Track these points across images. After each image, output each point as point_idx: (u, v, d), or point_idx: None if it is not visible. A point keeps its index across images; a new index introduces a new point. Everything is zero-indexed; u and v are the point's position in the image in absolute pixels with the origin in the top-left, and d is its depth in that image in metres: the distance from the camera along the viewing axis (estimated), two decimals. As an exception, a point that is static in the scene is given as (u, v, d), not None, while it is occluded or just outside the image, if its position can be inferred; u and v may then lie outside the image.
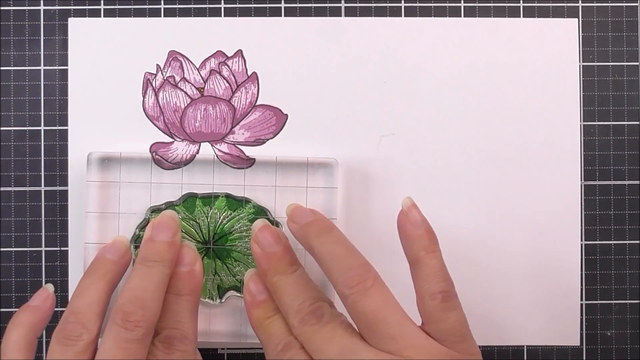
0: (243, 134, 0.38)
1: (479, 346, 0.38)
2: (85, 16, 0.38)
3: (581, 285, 0.38)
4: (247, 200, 0.37)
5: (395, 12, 0.38)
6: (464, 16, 0.38)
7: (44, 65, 0.38)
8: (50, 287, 0.34)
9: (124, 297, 0.32)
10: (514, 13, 0.38)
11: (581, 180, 0.38)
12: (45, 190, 0.38)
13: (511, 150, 0.38)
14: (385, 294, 0.31)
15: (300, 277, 0.33)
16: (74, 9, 0.38)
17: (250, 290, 0.34)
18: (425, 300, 0.31)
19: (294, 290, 0.33)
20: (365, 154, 0.38)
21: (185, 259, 0.34)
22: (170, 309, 0.33)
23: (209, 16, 0.38)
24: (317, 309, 0.32)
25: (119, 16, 0.38)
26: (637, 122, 0.39)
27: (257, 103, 0.38)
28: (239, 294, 0.37)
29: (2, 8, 0.38)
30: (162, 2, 0.38)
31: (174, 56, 0.38)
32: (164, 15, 0.38)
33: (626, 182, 0.39)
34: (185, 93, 0.38)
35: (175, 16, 0.38)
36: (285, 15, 0.38)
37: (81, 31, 0.38)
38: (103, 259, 0.34)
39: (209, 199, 0.37)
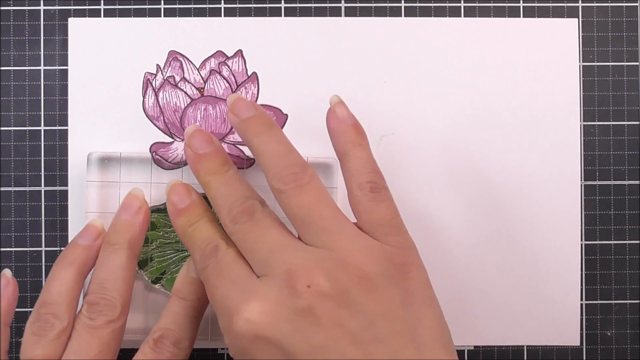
0: (243, 134, 0.38)
1: (479, 346, 0.38)
2: (85, 16, 0.38)
3: (581, 285, 0.38)
4: (247, 200, 0.37)
5: (395, 12, 0.38)
6: (464, 16, 0.38)
7: (44, 65, 0.38)
8: (8, 273, 0.33)
9: (89, 289, 0.33)
10: (514, 13, 0.38)
11: (581, 180, 0.38)
12: (45, 190, 0.38)
13: (511, 150, 0.38)
14: (320, 191, 0.31)
15: (232, 177, 0.33)
16: (74, 9, 0.38)
17: (172, 200, 0.34)
18: (353, 191, 0.31)
19: (226, 189, 0.32)
20: (365, 154, 0.38)
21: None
22: (171, 310, 0.33)
23: (209, 16, 0.38)
24: (249, 207, 0.31)
25: (119, 16, 0.38)
26: (637, 122, 0.39)
27: (257, 103, 0.38)
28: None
29: (2, 8, 0.38)
30: (162, 2, 0.38)
31: (174, 56, 0.38)
32: (164, 15, 0.38)
33: (626, 182, 0.39)
34: (185, 93, 0.38)
35: (175, 16, 0.38)
36: (285, 15, 0.38)
37: (81, 31, 0.38)
38: (74, 245, 0.34)
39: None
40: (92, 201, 0.36)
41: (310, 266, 0.29)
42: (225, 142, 0.38)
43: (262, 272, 0.30)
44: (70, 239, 0.38)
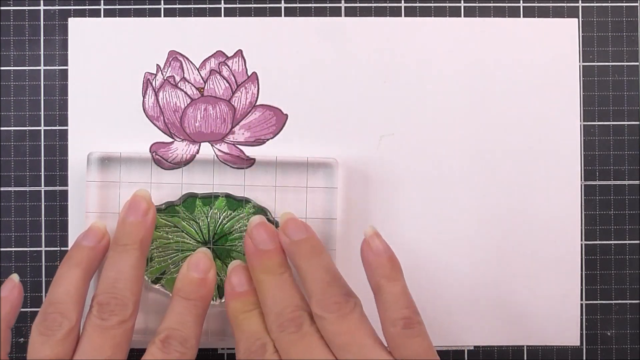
0: (243, 134, 0.38)
1: (479, 346, 0.38)
2: (85, 16, 0.38)
3: (581, 285, 0.38)
4: (247, 200, 0.37)
5: (395, 12, 0.38)
6: (464, 16, 0.38)
7: (44, 65, 0.38)
8: (15, 277, 0.34)
9: (99, 288, 0.33)
10: (514, 13, 0.38)
11: (581, 180, 0.38)
12: (45, 190, 0.38)
13: (511, 150, 0.38)
14: (360, 321, 0.32)
15: (287, 281, 0.33)
16: (74, 9, 0.38)
17: (231, 281, 0.34)
18: (387, 327, 0.32)
19: (278, 292, 0.33)
20: (365, 154, 0.38)
21: (200, 265, 0.34)
22: (175, 310, 0.33)
23: (209, 16, 0.38)
24: (298, 317, 0.32)
25: (119, 16, 0.38)
26: (637, 122, 0.39)
27: (257, 103, 0.38)
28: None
29: (2, 8, 0.38)
30: (162, 2, 0.38)
31: (174, 56, 0.38)
32: (164, 15, 0.38)
33: (626, 182, 0.39)
34: (185, 93, 0.38)
35: (175, 16, 0.38)
36: (285, 15, 0.38)
37: (81, 31, 0.38)
38: (79, 246, 0.34)
39: (209, 199, 0.37)
40: (92, 201, 0.36)
41: None
42: (225, 142, 0.38)
43: None
44: (70, 239, 0.38)
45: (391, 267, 0.32)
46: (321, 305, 0.32)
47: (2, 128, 0.38)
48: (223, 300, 0.37)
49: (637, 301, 0.39)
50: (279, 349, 0.32)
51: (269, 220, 0.36)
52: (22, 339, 0.38)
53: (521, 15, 0.38)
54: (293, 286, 0.33)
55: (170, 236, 0.37)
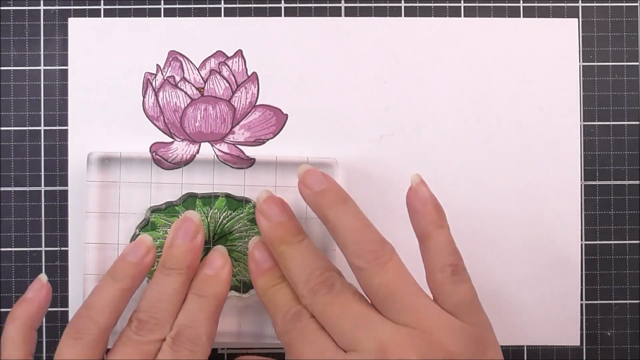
0: (243, 134, 0.38)
1: (479, 346, 0.38)
2: (85, 16, 0.38)
3: (581, 285, 0.38)
4: (247, 200, 0.37)
5: (395, 12, 0.38)
6: (464, 16, 0.38)
7: (44, 65, 0.38)
8: (43, 277, 0.34)
9: (140, 305, 0.33)
10: (514, 13, 0.38)
11: (581, 180, 0.38)
12: (45, 190, 0.38)
13: (511, 150, 0.38)
14: (401, 269, 0.31)
15: (308, 247, 0.33)
16: (74, 9, 0.38)
17: (255, 258, 0.34)
18: (435, 273, 0.31)
19: (301, 260, 0.32)
20: (365, 154, 0.38)
21: (214, 262, 0.34)
22: (188, 307, 0.33)
23: (209, 16, 0.38)
24: (328, 278, 0.32)
25: (119, 16, 0.38)
26: (637, 122, 0.39)
27: (257, 103, 0.38)
28: (239, 294, 0.37)
29: (2, 8, 0.38)
30: (162, 2, 0.38)
31: (174, 56, 0.38)
32: (164, 15, 0.38)
33: (626, 182, 0.39)
34: (185, 93, 0.38)
35: (175, 16, 0.38)
36: (285, 15, 0.38)
37: (81, 31, 0.38)
38: (123, 261, 0.34)
39: (209, 199, 0.37)
40: (92, 201, 0.36)
41: (401, 343, 0.29)
42: (225, 142, 0.38)
43: (349, 346, 0.30)
44: (70, 239, 0.38)
45: (438, 215, 0.32)
46: (358, 254, 0.31)
47: (2, 128, 0.38)
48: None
49: (637, 301, 0.39)
50: (315, 313, 0.32)
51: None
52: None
53: (521, 15, 0.38)
54: (315, 250, 0.33)
55: (170, 236, 0.37)
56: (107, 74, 0.38)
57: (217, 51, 0.38)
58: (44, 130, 0.38)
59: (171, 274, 0.33)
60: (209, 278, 0.34)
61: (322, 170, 0.34)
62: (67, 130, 0.38)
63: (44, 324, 0.38)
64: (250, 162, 0.37)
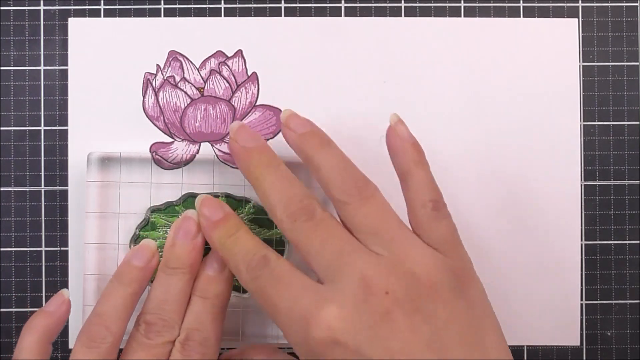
0: (243, 134, 0.38)
1: (479, 346, 0.38)
2: (85, 16, 0.38)
3: (581, 285, 0.38)
4: (247, 200, 0.37)
5: (395, 12, 0.38)
6: (464, 16, 0.38)
7: (44, 65, 0.38)
8: (65, 293, 0.34)
9: (146, 307, 0.33)
10: (514, 13, 0.38)
11: (581, 180, 0.38)
12: (45, 190, 0.38)
13: (511, 150, 0.38)
14: (384, 204, 0.31)
15: (286, 172, 0.33)
16: (74, 9, 0.38)
17: (204, 214, 0.33)
18: (416, 209, 0.31)
19: (280, 184, 0.32)
20: (365, 154, 0.38)
21: (215, 263, 0.34)
22: (193, 310, 0.33)
23: (209, 16, 0.38)
24: (308, 205, 0.31)
25: (119, 16, 0.38)
26: (637, 122, 0.39)
27: (257, 103, 0.38)
28: (239, 294, 0.37)
29: (2, 8, 0.38)
30: (162, 2, 0.38)
31: (174, 56, 0.38)
32: (164, 15, 0.38)
33: (626, 182, 0.39)
34: (185, 93, 0.38)
35: (175, 16, 0.38)
36: (285, 15, 0.38)
37: (81, 31, 0.38)
38: (129, 265, 0.34)
39: (209, 199, 0.37)
40: (92, 201, 0.36)
41: (385, 273, 0.29)
42: (226, 142, 0.38)
43: (330, 277, 0.30)
44: (70, 239, 0.38)
45: (417, 153, 0.33)
46: (342, 190, 0.31)
47: (2, 128, 0.38)
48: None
49: (637, 301, 0.39)
50: (293, 240, 0.31)
51: (268, 219, 0.36)
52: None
53: (521, 15, 0.38)
54: (293, 177, 0.33)
55: (170, 236, 0.37)
56: (107, 74, 0.38)
57: (217, 51, 0.38)
58: (44, 130, 0.38)
59: (175, 273, 0.33)
60: (210, 279, 0.34)
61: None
62: (67, 130, 0.38)
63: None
64: (250, 162, 0.37)
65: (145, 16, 0.38)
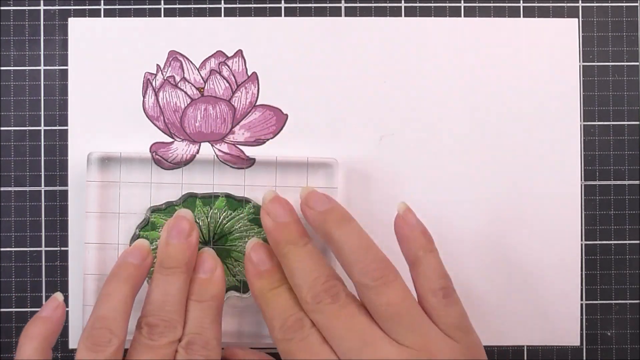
0: (243, 134, 0.38)
1: (479, 346, 0.38)
2: (85, 16, 0.38)
3: (581, 285, 0.38)
4: (247, 200, 0.37)
5: (395, 12, 0.38)
6: (464, 16, 0.38)
7: (44, 65, 0.38)
8: (59, 296, 0.34)
9: (147, 309, 0.33)
10: (514, 13, 0.38)
11: (581, 180, 0.38)
12: (45, 190, 0.38)
13: (511, 150, 0.38)
14: (405, 290, 0.32)
15: (313, 251, 0.33)
16: (74, 9, 0.38)
17: (252, 259, 0.34)
18: (427, 297, 0.32)
19: (307, 263, 0.33)
20: (365, 154, 0.38)
21: (205, 265, 0.34)
22: (192, 315, 0.33)
23: (209, 16, 0.38)
24: (332, 287, 0.32)
25: (119, 16, 0.38)
26: (637, 122, 0.39)
27: (257, 103, 0.38)
28: (239, 294, 0.37)
29: (2, 8, 0.38)
30: (162, 2, 0.38)
31: (174, 56, 0.38)
32: (164, 15, 0.38)
33: (626, 182, 0.39)
34: (185, 93, 0.38)
35: (175, 16, 0.38)
36: (285, 15, 0.38)
37: (81, 31, 0.38)
38: (125, 263, 0.34)
39: (209, 199, 0.37)
40: (92, 201, 0.36)
41: None
42: (225, 142, 0.38)
43: None
44: (70, 239, 0.38)
45: (427, 240, 0.33)
46: (364, 272, 0.32)
47: (2, 128, 0.38)
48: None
49: (637, 301, 0.39)
50: (317, 322, 0.32)
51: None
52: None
53: (521, 15, 0.38)
54: (320, 256, 0.33)
55: (170, 236, 0.37)
56: (107, 74, 0.38)
57: (217, 51, 0.38)
58: (44, 130, 0.38)
59: (171, 273, 0.33)
60: (204, 282, 0.34)
61: (324, 192, 0.35)
62: (67, 130, 0.38)
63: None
64: (250, 162, 0.37)
65: (145, 16, 0.38)
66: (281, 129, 0.38)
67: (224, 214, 0.37)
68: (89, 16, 0.38)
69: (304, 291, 0.32)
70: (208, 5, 0.38)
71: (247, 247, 0.35)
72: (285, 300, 0.33)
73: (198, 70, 0.38)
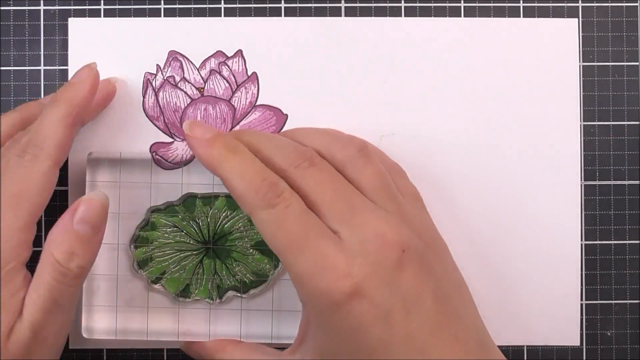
0: (243, 134, 0.38)
1: (479, 346, 0.38)
2: (85, 16, 0.38)
3: (581, 285, 0.38)
4: (247, 200, 0.37)
5: (395, 12, 0.38)
6: (464, 16, 0.38)
7: (44, 65, 0.38)
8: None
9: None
10: (514, 13, 0.38)
11: (581, 180, 0.38)
12: (45, 190, 0.38)
13: (511, 150, 0.38)
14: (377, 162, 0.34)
15: (278, 136, 0.34)
16: (74, 9, 0.38)
17: (196, 133, 0.32)
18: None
19: (277, 139, 0.33)
20: (365, 154, 0.38)
21: (80, 73, 0.34)
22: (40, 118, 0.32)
23: (209, 16, 0.38)
24: (307, 151, 0.32)
25: (119, 16, 0.38)
26: (637, 122, 0.39)
27: (257, 103, 0.38)
28: (239, 294, 0.37)
29: (2, 8, 0.38)
30: (162, 2, 0.38)
31: (174, 56, 0.38)
32: (164, 15, 0.38)
33: (626, 182, 0.39)
34: (185, 93, 0.38)
35: (175, 16, 0.38)
36: (285, 15, 0.38)
37: (81, 31, 0.38)
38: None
39: (209, 199, 0.37)
40: (92, 201, 0.36)
41: (398, 231, 0.30)
42: (225, 142, 0.38)
43: (346, 228, 0.30)
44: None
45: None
46: (346, 148, 0.33)
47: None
48: (223, 300, 0.37)
49: (637, 301, 0.39)
50: (300, 187, 0.30)
51: None
52: None
53: (521, 15, 0.38)
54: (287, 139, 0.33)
55: (170, 236, 0.37)
56: (107, 74, 0.38)
57: (217, 51, 0.38)
58: (44, 130, 0.38)
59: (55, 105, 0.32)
60: (67, 85, 0.33)
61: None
62: (67, 130, 0.38)
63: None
64: (250, 162, 0.37)
65: (145, 16, 0.38)
66: (281, 129, 0.38)
67: (224, 214, 0.37)
68: (89, 16, 0.38)
69: (279, 159, 0.30)
70: (208, 6, 0.38)
71: (184, 128, 0.32)
72: (253, 162, 0.30)
73: (198, 70, 0.38)
